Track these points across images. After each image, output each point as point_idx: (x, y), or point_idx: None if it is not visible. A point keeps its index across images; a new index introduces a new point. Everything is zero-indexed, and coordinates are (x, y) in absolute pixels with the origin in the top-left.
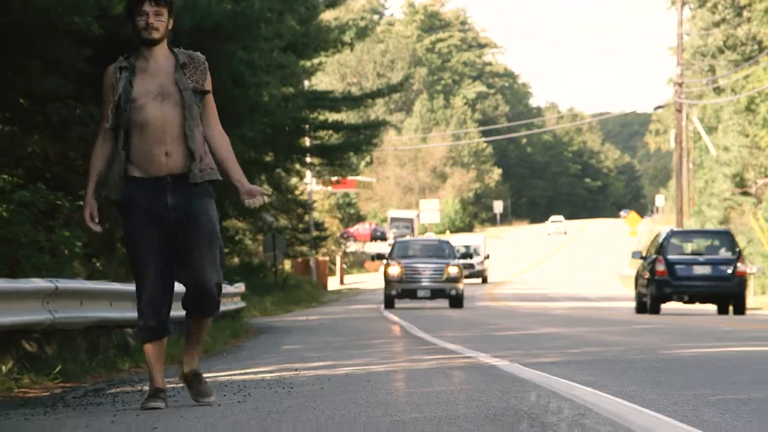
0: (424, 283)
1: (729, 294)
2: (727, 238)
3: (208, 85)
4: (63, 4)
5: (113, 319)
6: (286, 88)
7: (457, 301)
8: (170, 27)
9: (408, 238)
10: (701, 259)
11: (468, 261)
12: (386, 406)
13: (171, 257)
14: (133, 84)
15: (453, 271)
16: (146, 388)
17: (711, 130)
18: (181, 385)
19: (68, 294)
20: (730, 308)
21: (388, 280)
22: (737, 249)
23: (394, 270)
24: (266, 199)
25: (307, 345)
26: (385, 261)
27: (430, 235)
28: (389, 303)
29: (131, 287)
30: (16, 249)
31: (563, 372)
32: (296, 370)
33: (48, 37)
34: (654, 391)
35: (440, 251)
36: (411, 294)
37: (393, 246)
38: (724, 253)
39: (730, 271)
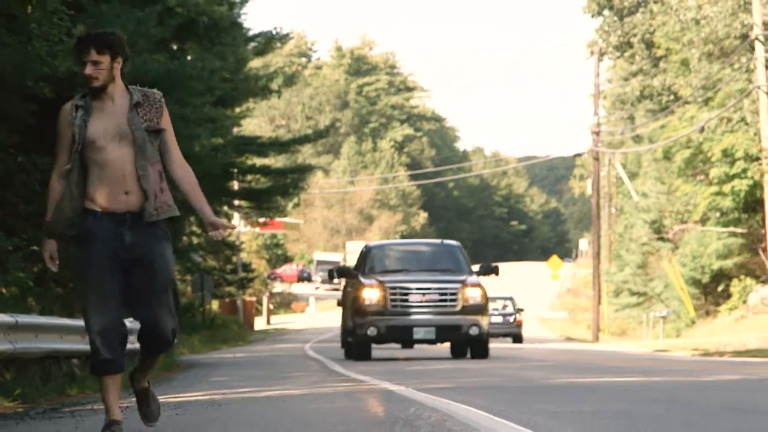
0: (424, 316)
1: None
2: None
3: (165, 123)
4: (11, 63)
5: (63, 350)
6: (215, 139)
7: (479, 347)
8: (117, 67)
9: (385, 241)
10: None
11: None
12: (294, 417)
13: (124, 293)
14: (87, 125)
15: (473, 294)
16: (98, 406)
17: (633, 175)
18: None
19: (26, 327)
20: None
21: (361, 311)
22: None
23: (372, 294)
24: (228, 232)
25: (234, 377)
26: (348, 280)
27: None
28: (362, 351)
29: (80, 322)
30: None
31: (447, 395)
32: (223, 394)
33: None
34: (511, 406)
35: (447, 261)
36: (402, 335)
37: (365, 253)
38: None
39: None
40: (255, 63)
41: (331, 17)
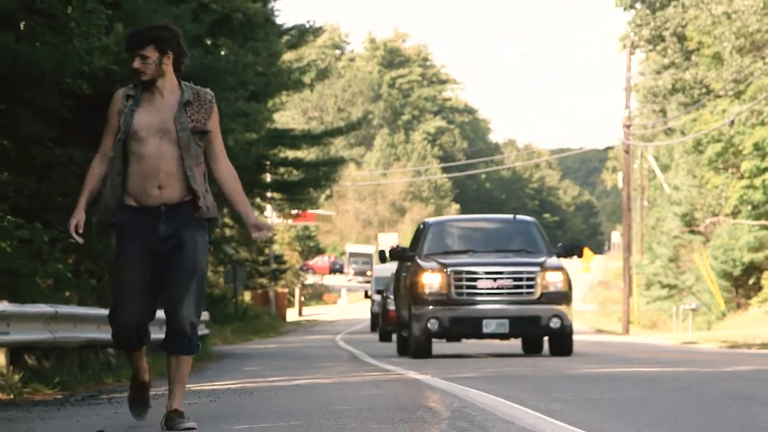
0: (495, 306)
1: None
2: None
3: (213, 124)
4: (50, 60)
5: (100, 339)
6: (249, 134)
7: (561, 342)
8: (168, 63)
9: (446, 216)
10: None
11: None
12: (323, 403)
13: (159, 285)
14: (134, 115)
15: (554, 279)
16: None
17: (666, 168)
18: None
19: (65, 318)
20: None
21: (420, 300)
22: None
23: (432, 280)
24: (272, 233)
25: (266, 367)
26: (402, 263)
27: None
28: (421, 347)
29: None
30: (17, 279)
31: (471, 383)
32: (255, 382)
33: (35, 89)
34: (531, 394)
35: (521, 239)
36: (469, 328)
37: (423, 231)
38: None
39: None
40: (288, 56)
41: (365, 9)
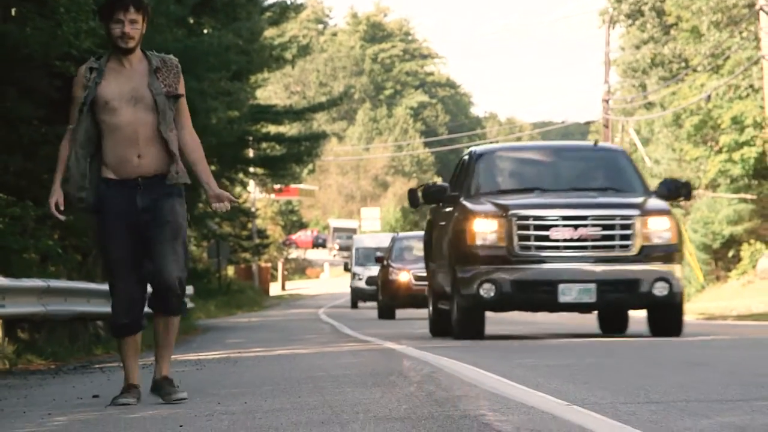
0: (576, 265)
1: None
2: None
3: (182, 89)
4: (37, 42)
5: (90, 312)
6: (231, 111)
7: (669, 316)
8: (144, 31)
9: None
10: None
11: None
12: (302, 370)
13: (143, 257)
14: (99, 87)
15: (659, 227)
16: (120, 365)
17: (646, 141)
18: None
19: (57, 291)
20: None
21: (469, 257)
22: None
23: (486, 227)
24: (230, 206)
25: (249, 339)
26: (438, 208)
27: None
28: (470, 322)
29: (104, 287)
30: (9, 254)
31: (445, 353)
32: (239, 353)
33: (23, 69)
34: (497, 362)
35: (609, 174)
36: (540, 296)
37: (469, 164)
38: None
39: None
40: (270, 31)
41: None
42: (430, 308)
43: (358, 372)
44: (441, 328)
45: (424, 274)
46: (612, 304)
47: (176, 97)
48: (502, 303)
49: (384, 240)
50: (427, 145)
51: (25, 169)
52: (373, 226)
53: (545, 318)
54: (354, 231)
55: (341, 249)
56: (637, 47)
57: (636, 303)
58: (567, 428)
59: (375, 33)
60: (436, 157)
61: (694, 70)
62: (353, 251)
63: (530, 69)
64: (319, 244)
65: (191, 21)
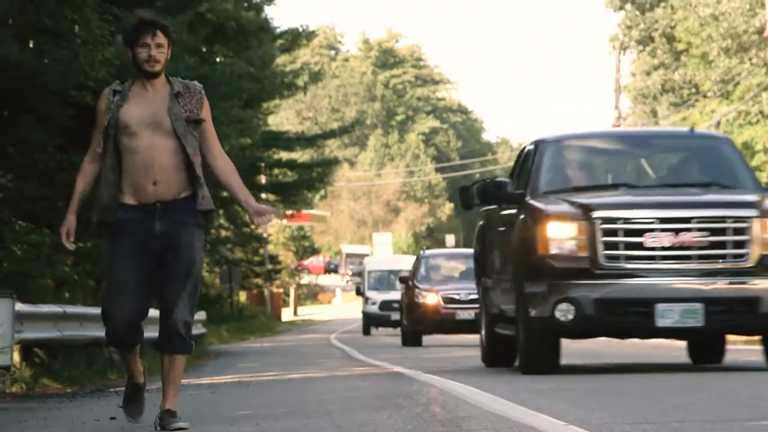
0: (678, 281)
1: None
2: None
3: (205, 114)
4: (53, 71)
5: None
6: (244, 139)
7: None
8: (169, 56)
9: (563, 133)
10: None
11: None
12: (314, 392)
13: (151, 280)
14: (121, 110)
15: None
16: None
17: None
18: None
19: (73, 317)
20: None
21: (541, 270)
22: None
23: (564, 232)
24: (271, 219)
25: (261, 363)
26: (494, 212)
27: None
28: (543, 351)
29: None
30: (27, 281)
31: (449, 376)
32: (251, 377)
33: (39, 98)
34: (504, 384)
35: (712, 167)
36: (632, 317)
37: (532, 157)
38: None
39: None
40: (282, 58)
41: (359, 10)
42: (483, 333)
43: (366, 394)
44: (497, 357)
45: (456, 296)
46: (723, 328)
47: (197, 122)
48: (584, 328)
49: (397, 262)
50: (438, 170)
51: (40, 196)
52: (385, 252)
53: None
54: (363, 257)
55: (354, 275)
56: (648, 73)
57: (754, 327)
58: None
59: (387, 59)
60: (448, 182)
61: (705, 96)
62: (365, 274)
63: (541, 94)
64: (331, 269)
65: (204, 49)
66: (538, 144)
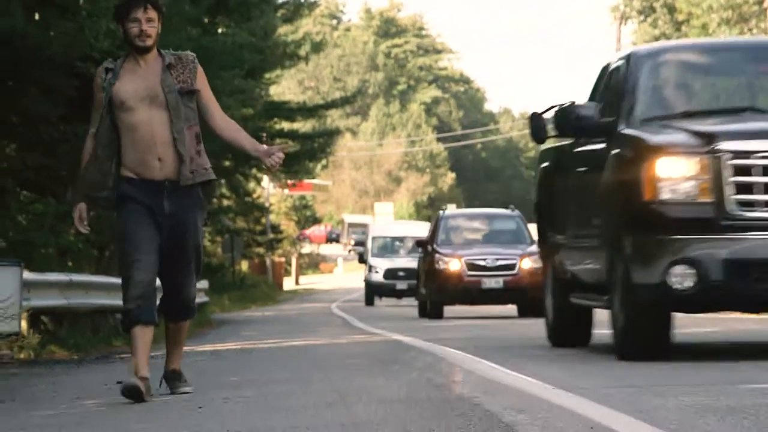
0: None
1: None
2: None
3: (200, 83)
4: (58, 43)
5: (110, 305)
6: (246, 109)
7: None
8: (160, 30)
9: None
10: None
11: None
12: (314, 359)
13: (159, 253)
14: (114, 87)
15: None
16: None
17: None
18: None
19: (78, 285)
20: None
21: (644, 219)
22: None
23: (678, 168)
24: (281, 157)
25: (263, 332)
26: (578, 141)
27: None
28: (650, 334)
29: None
30: (32, 250)
31: (448, 344)
32: (254, 344)
33: (44, 69)
34: (497, 353)
35: None
36: None
37: (623, 70)
38: None
39: None
40: (283, 28)
41: None
42: (550, 305)
43: (365, 361)
44: (572, 335)
45: (482, 262)
46: None
47: (191, 92)
48: (707, 298)
49: (403, 228)
50: (440, 140)
51: (45, 167)
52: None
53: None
54: (365, 226)
55: (356, 244)
56: (648, 42)
57: None
58: (547, 406)
59: (388, 28)
60: (450, 152)
61: None
62: (368, 241)
63: (543, 64)
64: (332, 239)
65: (206, 20)
66: (630, 57)
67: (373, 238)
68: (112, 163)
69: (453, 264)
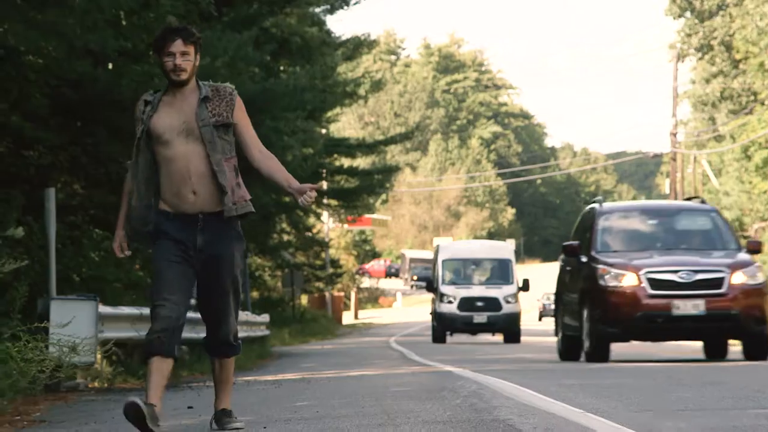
0: None
1: None
2: None
3: (237, 116)
4: (127, 86)
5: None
6: (306, 149)
7: None
8: (197, 63)
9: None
10: None
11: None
12: (369, 387)
13: (192, 288)
14: (152, 119)
15: None
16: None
17: (717, 173)
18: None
19: (148, 318)
20: None
21: None
22: None
23: None
24: (314, 195)
25: (321, 363)
26: None
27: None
28: None
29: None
30: (104, 285)
31: (495, 374)
32: (312, 374)
33: (113, 111)
34: (539, 380)
35: None
36: None
37: None
38: None
39: None
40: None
41: (420, 14)
42: None
43: (415, 388)
44: None
45: (672, 276)
46: None
47: (227, 125)
48: None
49: (481, 249)
50: (499, 175)
51: (111, 204)
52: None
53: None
54: (431, 262)
55: (420, 279)
56: (707, 81)
57: None
58: (573, 428)
59: (448, 64)
60: (509, 187)
61: (762, 104)
62: (438, 264)
63: (603, 100)
64: (391, 273)
65: (268, 59)
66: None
67: (444, 261)
68: (152, 197)
69: (627, 279)
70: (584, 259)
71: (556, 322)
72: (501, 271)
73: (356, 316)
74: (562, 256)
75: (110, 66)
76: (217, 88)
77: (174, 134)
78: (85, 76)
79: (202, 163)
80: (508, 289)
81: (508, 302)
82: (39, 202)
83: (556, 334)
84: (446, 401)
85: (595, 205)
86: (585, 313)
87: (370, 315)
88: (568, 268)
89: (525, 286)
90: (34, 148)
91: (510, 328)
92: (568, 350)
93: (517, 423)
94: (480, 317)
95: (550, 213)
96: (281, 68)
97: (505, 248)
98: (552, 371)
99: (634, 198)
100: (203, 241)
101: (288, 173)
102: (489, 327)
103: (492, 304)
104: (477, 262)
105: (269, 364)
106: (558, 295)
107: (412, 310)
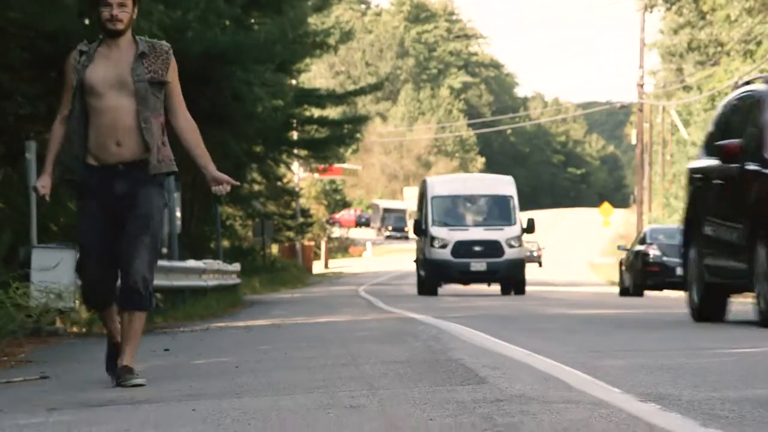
0: None
1: None
2: None
3: (171, 76)
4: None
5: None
6: (276, 101)
7: None
8: (135, 16)
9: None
10: None
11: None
12: (336, 331)
13: (116, 241)
14: (86, 71)
15: None
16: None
17: (687, 123)
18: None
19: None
20: None
21: None
22: None
23: None
24: (228, 188)
25: (291, 311)
26: None
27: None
28: None
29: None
30: None
31: (456, 321)
32: (282, 320)
33: None
34: (495, 326)
35: None
36: None
37: None
38: None
39: None
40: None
41: None
42: None
43: (380, 333)
44: None
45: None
46: None
47: (161, 83)
48: None
49: (476, 184)
50: (470, 125)
51: None
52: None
53: None
54: (404, 212)
55: (395, 230)
56: (675, 31)
57: None
58: (518, 365)
59: (418, 13)
60: (479, 137)
61: (728, 55)
62: (427, 203)
63: (573, 49)
64: (362, 223)
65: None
66: None
67: (434, 199)
68: (80, 149)
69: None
70: (752, 166)
71: (686, 266)
72: (501, 210)
73: (326, 266)
74: (700, 165)
75: (86, 22)
76: (153, 45)
77: (107, 87)
78: (61, 29)
79: (131, 118)
80: (511, 231)
81: (511, 246)
82: (18, 151)
83: (687, 285)
84: (407, 344)
85: (760, 87)
86: (762, 248)
87: (340, 264)
88: (717, 182)
89: (530, 227)
90: (13, 98)
91: (514, 276)
92: (713, 306)
93: (468, 362)
94: (478, 264)
95: (520, 162)
96: (252, 21)
97: (506, 183)
98: (505, 317)
99: (602, 148)
100: (121, 188)
101: (207, 154)
102: (489, 276)
103: (492, 248)
104: (473, 199)
105: (240, 311)
106: (692, 225)
107: (382, 259)
